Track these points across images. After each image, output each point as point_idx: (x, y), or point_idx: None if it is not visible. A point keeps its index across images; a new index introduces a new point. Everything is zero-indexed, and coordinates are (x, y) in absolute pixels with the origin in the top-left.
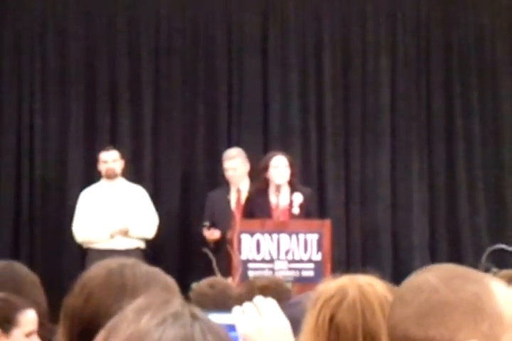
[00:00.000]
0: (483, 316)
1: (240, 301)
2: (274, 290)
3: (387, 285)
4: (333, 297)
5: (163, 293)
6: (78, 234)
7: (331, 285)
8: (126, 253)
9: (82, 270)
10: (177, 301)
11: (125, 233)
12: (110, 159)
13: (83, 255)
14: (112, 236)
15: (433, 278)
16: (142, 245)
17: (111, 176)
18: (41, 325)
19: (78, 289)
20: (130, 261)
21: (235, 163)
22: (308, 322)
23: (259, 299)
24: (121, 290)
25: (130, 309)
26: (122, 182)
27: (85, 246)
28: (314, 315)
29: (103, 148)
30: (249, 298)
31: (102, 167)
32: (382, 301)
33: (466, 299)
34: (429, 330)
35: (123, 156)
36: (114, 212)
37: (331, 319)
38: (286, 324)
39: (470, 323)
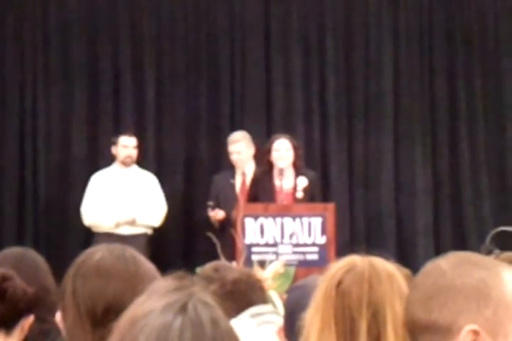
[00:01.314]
0: (488, 302)
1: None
2: (245, 282)
3: (397, 267)
4: (343, 267)
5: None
6: (86, 217)
7: (342, 260)
8: (133, 238)
9: None
10: (190, 289)
11: (132, 223)
12: (131, 145)
13: (87, 240)
14: (117, 225)
15: (444, 263)
16: (149, 231)
17: (128, 163)
18: (51, 312)
19: (92, 271)
20: (127, 247)
21: (240, 147)
22: (318, 292)
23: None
24: (136, 276)
25: (148, 289)
26: (135, 168)
27: (93, 229)
28: (323, 285)
29: (123, 132)
30: (223, 293)
31: (121, 151)
32: (390, 275)
33: (471, 284)
34: (432, 313)
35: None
36: (123, 199)
37: (338, 285)
38: None
39: (472, 308)
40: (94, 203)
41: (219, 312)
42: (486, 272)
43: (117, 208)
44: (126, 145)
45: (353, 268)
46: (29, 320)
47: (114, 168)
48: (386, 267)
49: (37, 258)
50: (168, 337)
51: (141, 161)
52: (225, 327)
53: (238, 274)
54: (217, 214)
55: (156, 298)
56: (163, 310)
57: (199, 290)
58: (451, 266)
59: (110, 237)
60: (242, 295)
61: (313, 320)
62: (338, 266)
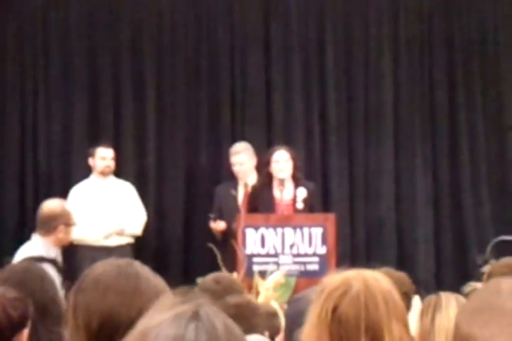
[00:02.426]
0: None
1: None
2: (247, 306)
3: (391, 271)
4: (338, 289)
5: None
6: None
7: (337, 277)
8: (120, 248)
9: (76, 266)
10: (197, 301)
11: (120, 233)
12: (109, 156)
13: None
14: (106, 237)
15: (505, 283)
16: (131, 241)
17: (106, 173)
18: (59, 323)
19: (91, 284)
20: (135, 262)
21: (242, 158)
22: (312, 314)
23: None
24: (135, 292)
25: (157, 304)
26: (112, 179)
27: (76, 242)
28: (318, 307)
29: (101, 144)
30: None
31: (99, 163)
32: (386, 296)
33: None
34: (473, 327)
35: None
36: (107, 210)
37: (334, 310)
38: None
39: None
40: (78, 217)
41: (230, 320)
42: None
43: (103, 219)
44: (104, 157)
45: (348, 291)
46: (23, 334)
47: (92, 179)
48: (381, 285)
49: (43, 271)
50: None
51: (142, 172)
52: (238, 333)
53: (240, 299)
54: (218, 226)
55: (165, 311)
56: (175, 319)
57: (206, 302)
58: (509, 288)
59: (95, 250)
60: (245, 319)
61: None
62: (332, 287)
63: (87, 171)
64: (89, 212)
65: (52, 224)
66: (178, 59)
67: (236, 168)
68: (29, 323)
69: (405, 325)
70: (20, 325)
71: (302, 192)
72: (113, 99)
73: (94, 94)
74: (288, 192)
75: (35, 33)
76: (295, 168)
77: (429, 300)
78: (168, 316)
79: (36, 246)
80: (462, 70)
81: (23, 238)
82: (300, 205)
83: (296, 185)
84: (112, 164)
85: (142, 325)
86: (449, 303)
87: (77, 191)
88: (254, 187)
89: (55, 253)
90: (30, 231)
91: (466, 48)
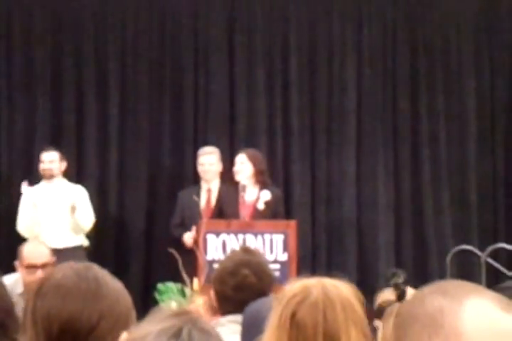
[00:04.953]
0: (438, 332)
1: (230, 274)
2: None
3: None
4: (297, 295)
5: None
6: (24, 232)
7: (296, 284)
8: (69, 251)
9: None
10: (189, 315)
11: (72, 209)
12: (47, 160)
13: None
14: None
15: (422, 291)
16: (86, 243)
17: (47, 177)
18: (6, 326)
19: (52, 290)
20: (94, 265)
21: (212, 159)
22: (272, 320)
23: None
24: (95, 296)
25: (152, 313)
26: (62, 182)
27: None
28: (277, 313)
29: (45, 148)
30: (235, 271)
31: (40, 166)
32: (344, 303)
33: (428, 313)
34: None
35: (63, 158)
36: (54, 211)
37: (293, 316)
38: None
39: (424, 337)
40: (29, 218)
41: (215, 340)
42: (448, 300)
43: (49, 222)
44: (43, 161)
45: (306, 298)
46: None
47: (41, 184)
48: (340, 292)
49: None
50: None
51: (104, 176)
52: None
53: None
54: (188, 240)
55: (155, 322)
56: (158, 334)
57: (198, 317)
58: (422, 295)
59: None
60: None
61: None
62: (291, 293)
63: None
64: (36, 213)
65: None
66: (142, 62)
67: (205, 168)
68: None
69: (363, 332)
70: None
71: (266, 195)
72: (76, 102)
73: (57, 98)
74: (251, 194)
75: None
76: (257, 171)
77: (392, 307)
78: (154, 329)
79: None
80: (425, 80)
81: None
82: (261, 206)
83: (261, 188)
84: (52, 167)
85: (131, 334)
86: None
87: (26, 195)
88: (220, 189)
89: None
90: None
91: (429, 58)
